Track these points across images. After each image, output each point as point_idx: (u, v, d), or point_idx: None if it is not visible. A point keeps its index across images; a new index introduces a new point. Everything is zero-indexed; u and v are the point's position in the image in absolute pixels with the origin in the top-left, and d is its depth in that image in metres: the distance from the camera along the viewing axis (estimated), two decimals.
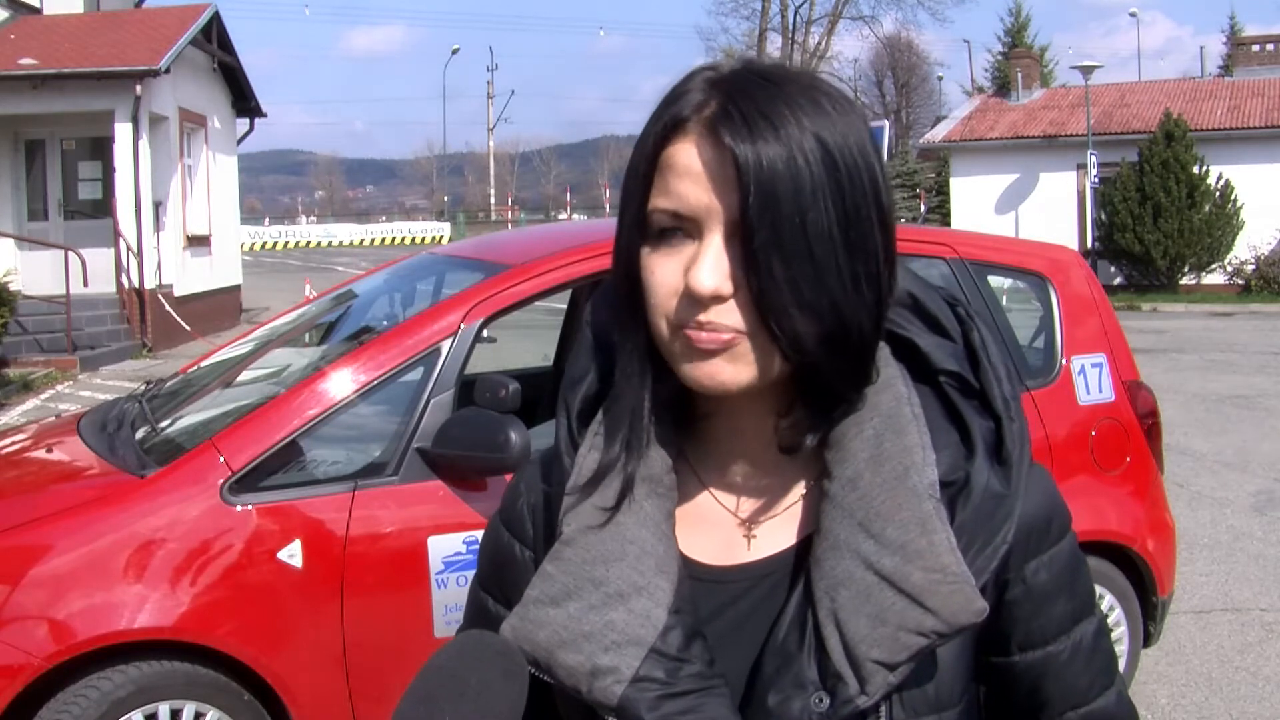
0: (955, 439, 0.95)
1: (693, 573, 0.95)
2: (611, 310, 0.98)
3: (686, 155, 0.88)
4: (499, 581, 1.03)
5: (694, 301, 0.87)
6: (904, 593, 0.88)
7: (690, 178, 0.87)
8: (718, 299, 0.86)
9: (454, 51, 68.90)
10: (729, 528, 0.97)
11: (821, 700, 0.88)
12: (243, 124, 21.02)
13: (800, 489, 0.97)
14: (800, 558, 0.94)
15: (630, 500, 0.94)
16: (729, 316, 0.87)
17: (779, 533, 0.96)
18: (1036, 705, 1.02)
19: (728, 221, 0.87)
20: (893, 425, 0.93)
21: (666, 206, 0.88)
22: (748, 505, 0.98)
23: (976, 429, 0.95)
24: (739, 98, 0.87)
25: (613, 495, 0.94)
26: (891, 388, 0.94)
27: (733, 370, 0.88)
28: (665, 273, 0.89)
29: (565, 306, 5.33)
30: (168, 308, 16.34)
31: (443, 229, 52.33)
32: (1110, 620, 4.00)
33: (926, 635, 0.88)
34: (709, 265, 0.86)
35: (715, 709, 0.89)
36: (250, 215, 68.99)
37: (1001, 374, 0.98)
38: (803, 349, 0.87)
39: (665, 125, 0.89)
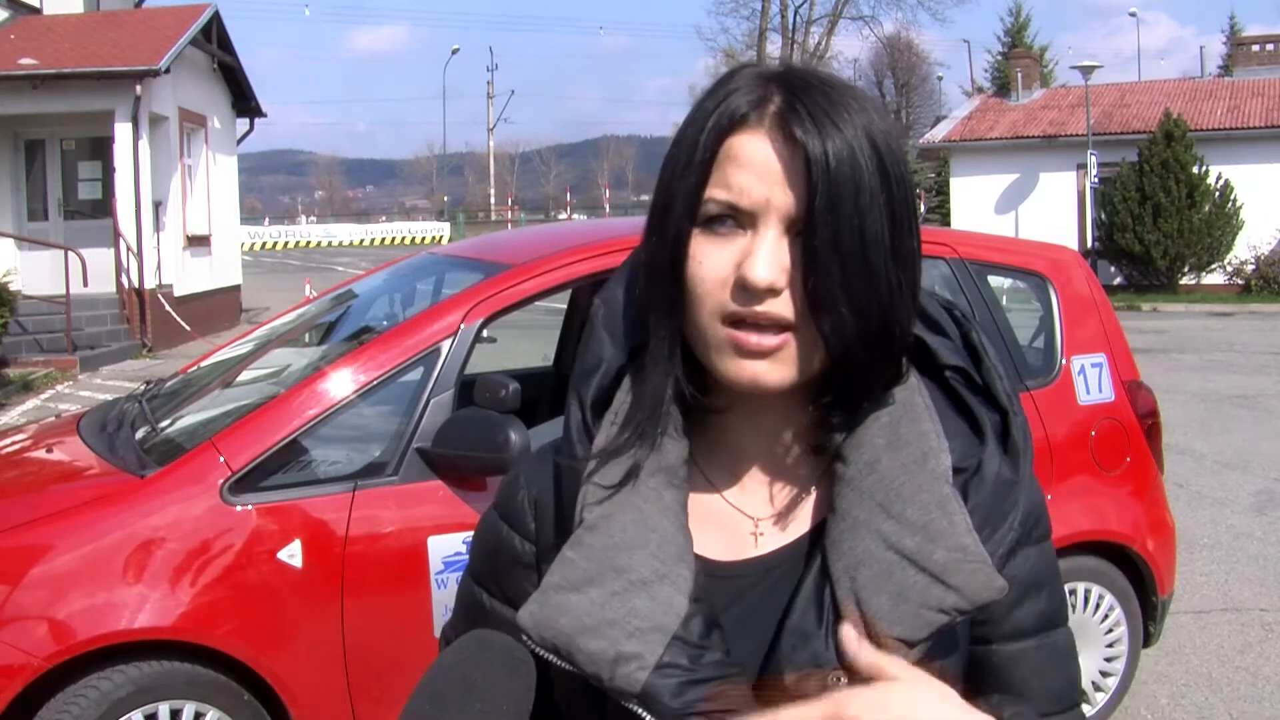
0: (965, 428, 0.97)
1: (701, 569, 0.95)
2: (629, 301, 0.98)
3: (751, 148, 0.88)
4: (495, 576, 1.03)
5: (744, 292, 0.87)
6: (926, 571, 0.89)
7: (754, 171, 0.88)
8: (771, 292, 0.87)
9: (454, 51, 68.96)
10: (736, 525, 0.98)
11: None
12: (243, 124, 21.02)
13: (810, 483, 0.98)
14: (812, 545, 0.95)
15: (640, 487, 0.93)
16: (778, 309, 0.87)
17: (787, 527, 0.97)
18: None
19: (786, 216, 0.87)
20: (908, 413, 0.95)
21: (724, 199, 0.89)
22: (756, 503, 0.98)
23: (985, 419, 0.97)
24: (803, 95, 0.88)
25: (618, 475, 0.93)
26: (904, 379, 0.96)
27: (776, 372, 0.89)
28: (714, 262, 0.89)
29: (565, 306, 5.33)
30: (168, 308, 16.34)
31: (443, 229, 52.32)
32: (1110, 620, 4.01)
33: (948, 612, 0.89)
34: (765, 258, 0.87)
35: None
36: (250, 215, 69.04)
37: (1001, 371, 1.01)
38: (849, 348, 0.88)
39: (725, 118, 0.89)
